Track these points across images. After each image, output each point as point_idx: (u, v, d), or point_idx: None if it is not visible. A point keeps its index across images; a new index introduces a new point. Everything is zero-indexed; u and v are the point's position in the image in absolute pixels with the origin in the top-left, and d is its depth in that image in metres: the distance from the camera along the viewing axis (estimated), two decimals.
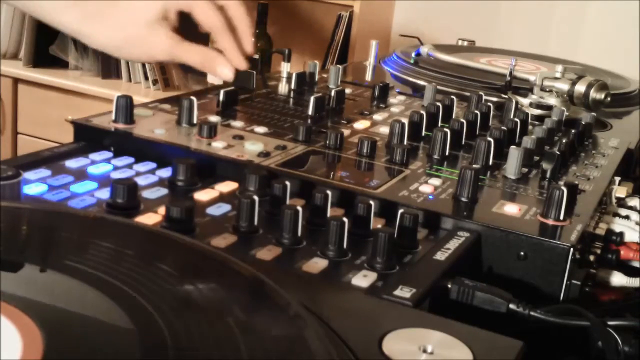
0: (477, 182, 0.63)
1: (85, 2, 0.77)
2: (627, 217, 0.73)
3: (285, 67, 1.03)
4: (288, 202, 0.59)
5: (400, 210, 0.56)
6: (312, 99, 0.84)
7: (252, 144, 0.70)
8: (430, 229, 0.59)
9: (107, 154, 0.68)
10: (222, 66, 0.80)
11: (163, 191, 0.61)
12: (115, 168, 0.65)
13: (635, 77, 1.30)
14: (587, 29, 2.23)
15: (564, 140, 0.78)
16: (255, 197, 0.55)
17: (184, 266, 0.43)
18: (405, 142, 0.75)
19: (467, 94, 0.99)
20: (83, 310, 0.36)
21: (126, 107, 0.71)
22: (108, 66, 2.24)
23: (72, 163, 0.64)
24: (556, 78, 0.96)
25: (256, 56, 2.30)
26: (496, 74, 1.14)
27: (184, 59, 0.80)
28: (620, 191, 0.77)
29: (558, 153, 0.72)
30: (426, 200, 0.62)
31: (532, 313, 0.50)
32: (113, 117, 0.72)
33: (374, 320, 0.42)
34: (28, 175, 0.60)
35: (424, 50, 1.27)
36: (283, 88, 0.98)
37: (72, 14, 0.77)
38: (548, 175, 0.71)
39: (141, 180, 0.62)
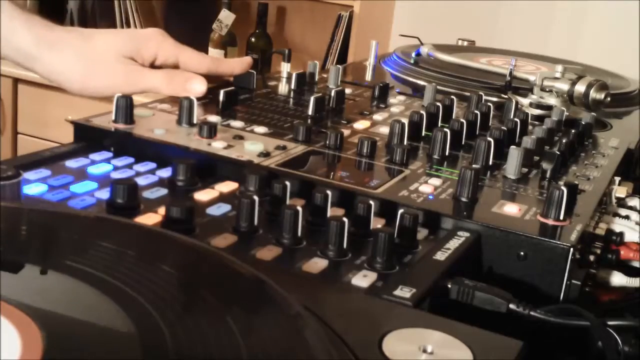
0: (477, 182, 0.63)
1: (40, 29, 0.79)
2: (627, 217, 0.73)
3: (285, 67, 1.03)
4: (288, 202, 0.59)
5: (400, 210, 0.56)
6: (312, 99, 0.84)
7: (252, 144, 0.70)
8: (430, 229, 0.59)
9: (107, 154, 0.68)
10: (191, 82, 0.82)
11: (163, 191, 0.61)
12: (115, 168, 0.65)
13: (635, 77, 1.30)
14: (587, 29, 2.23)
15: (564, 140, 0.78)
16: (255, 197, 0.55)
17: (184, 266, 0.43)
18: (405, 142, 0.75)
19: (467, 94, 0.99)
20: (83, 310, 0.36)
21: (126, 107, 0.71)
22: None
23: (72, 163, 0.64)
24: (556, 78, 0.96)
25: (256, 56, 2.30)
26: (496, 74, 1.14)
27: (148, 86, 0.81)
28: (620, 191, 0.77)
29: (558, 153, 0.72)
30: (426, 200, 0.62)
31: (532, 313, 0.50)
32: (113, 117, 0.72)
33: (374, 320, 0.42)
34: (28, 175, 0.60)
35: (424, 50, 1.27)
36: (283, 88, 0.98)
37: (26, 35, 0.78)
38: (548, 175, 0.71)
39: (141, 180, 0.62)
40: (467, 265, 0.56)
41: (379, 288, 0.48)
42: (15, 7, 0.79)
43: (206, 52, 2.15)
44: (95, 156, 0.67)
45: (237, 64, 0.91)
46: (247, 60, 0.92)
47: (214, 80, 0.90)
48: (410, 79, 1.15)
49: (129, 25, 2.39)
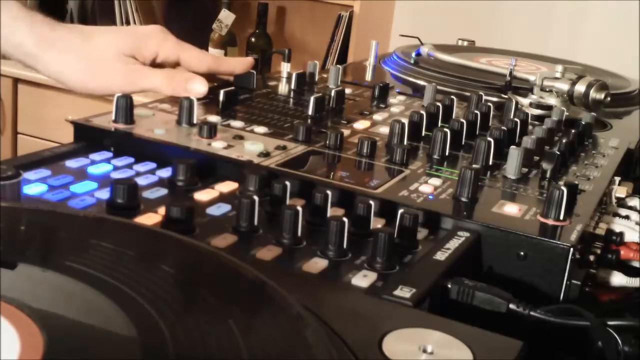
0: (477, 182, 0.63)
1: (42, 28, 0.79)
2: (627, 217, 0.73)
3: (285, 67, 1.03)
4: (288, 202, 0.59)
5: (400, 210, 0.56)
6: (312, 99, 0.84)
7: (252, 144, 0.70)
8: (430, 229, 0.59)
9: (107, 154, 0.68)
10: (192, 83, 0.82)
11: (163, 191, 0.61)
12: (115, 168, 0.65)
13: (635, 77, 1.30)
14: (587, 29, 2.23)
15: (564, 140, 0.78)
16: (255, 197, 0.55)
17: (184, 266, 0.43)
18: (405, 142, 0.75)
19: (467, 94, 0.99)
20: (83, 310, 0.36)
21: (126, 107, 0.71)
22: None
23: (72, 163, 0.64)
24: (556, 78, 0.96)
25: (256, 56, 2.30)
26: (496, 74, 1.14)
27: (148, 85, 0.81)
28: (620, 191, 0.77)
29: (558, 153, 0.72)
30: (426, 200, 0.62)
31: (532, 313, 0.50)
32: (113, 117, 0.72)
33: (374, 320, 0.42)
34: (28, 175, 0.60)
35: (424, 50, 1.27)
36: (283, 88, 0.98)
37: (27, 35, 0.78)
38: (548, 175, 0.71)
39: (141, 180, 0.62)
40: (467, 265, 0.56)
41: (379, 288, 0.48)
42: (20, 7, 0.79)
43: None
44: (95, 156, 0.67)
45: (239, 64, 0.91)
46: (248, 60, 0.92)
47: (214, 80, 0.90)
48: (410, 79, 1.15)
49: (129, 25, 2.39)
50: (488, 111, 0.89)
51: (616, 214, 0.73)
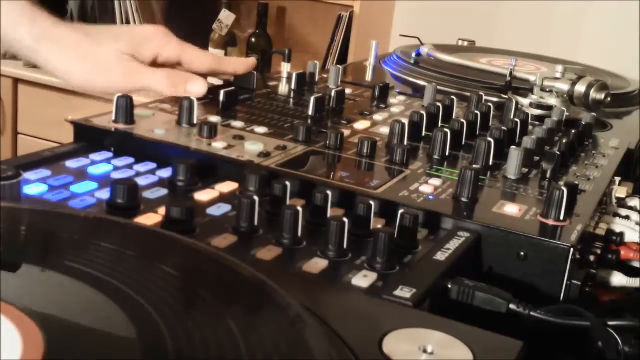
0: (477, 182, 0.63)
1: (44, 23, 0.79)
2: (627, 217, 0.73)
3: (285, 67, 1.03)
4: (288, 202, 0.59)
5: (400, 210, 0.56)
6: (312, 99, 0.84)
7: (252, 144, 0.70)
8: (430, 229, 0.59)
9: (107, 154, 0.68)
10: (191, 83, 0.82)
11: (163, 191, 0.61)
12: (115, 168, 0.65)
13: (635, 77, 1.30)
14: (587, 29, 2.23)
15: (564, 140, 0.78)
16: (255, 197, 0.55)
17: (184, 266, 0.43)
18: (405, 142, 0.75)
19: (467, 94, 0.99)
20: (83, 311, 0.36)
21: (126, 107, 0.71)
22: None
23: (72, 163, 0.64)
24: (556, 78, 0.96)
25: (256, 56, 2.30)
26: (496, 74, 1.14)
27: (147, 84, 0.81)
28: (620, 191, 0.77)
29: (558, 153, 0.72)
30: (426, 200, 0.62)
31: (532, 313, 0.50)
32: (113, 117, 0.72)
33: (374, 320, 0.42)
34: (28, 175, 0.60)
35: (424, 50, 1.27)
36: (283, 88, 0.98)
37: (29, 28, 0.78)
38: (548, 175, 0.71)
39: (141, 180, 0.62)
40: (467, 265, 0.56)
41: (379, 288, 0.48)
42: (25, 1, 0.79)
43: None
44: (95, 156, 0.67)
45: (241, 64, 0.91)
46: (250, 60, 0.92)
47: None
48: (410, 79, 1.15)
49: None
50: (488, 111, 0.89)
51: (616, 214, 0.73)
